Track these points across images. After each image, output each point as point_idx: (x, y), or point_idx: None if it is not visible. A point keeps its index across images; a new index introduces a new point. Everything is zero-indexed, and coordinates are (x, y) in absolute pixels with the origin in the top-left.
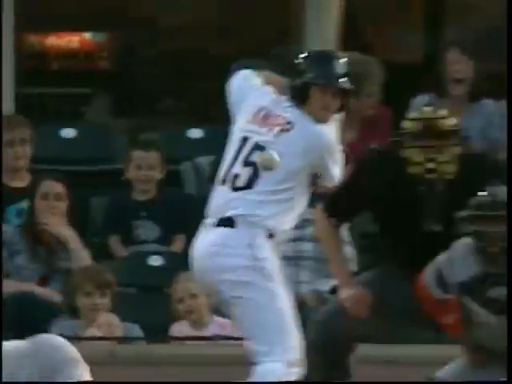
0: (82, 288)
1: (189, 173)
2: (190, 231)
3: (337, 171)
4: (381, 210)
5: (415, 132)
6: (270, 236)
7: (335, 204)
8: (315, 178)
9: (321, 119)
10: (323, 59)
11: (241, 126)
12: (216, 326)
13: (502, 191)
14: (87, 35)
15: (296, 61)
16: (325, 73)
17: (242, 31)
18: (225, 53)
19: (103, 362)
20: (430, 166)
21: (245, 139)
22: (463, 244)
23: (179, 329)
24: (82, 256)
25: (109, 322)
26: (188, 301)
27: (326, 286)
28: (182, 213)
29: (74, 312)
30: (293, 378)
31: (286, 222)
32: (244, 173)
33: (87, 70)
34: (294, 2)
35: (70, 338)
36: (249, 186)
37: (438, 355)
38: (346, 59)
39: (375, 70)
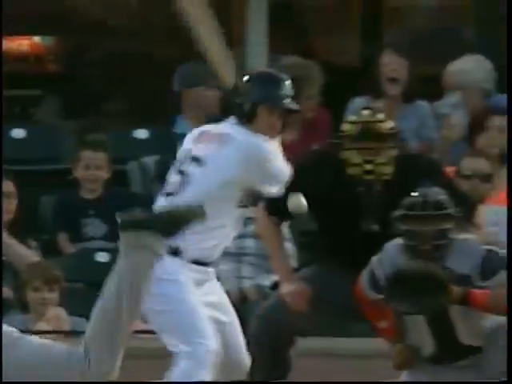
0: (31, 283)
1: (135, 172)
2: None
3: (274, 184)
4: (320, 210)
5: (354, 134)
6: (174, 253)
7: (276, 203)
8: (250, 197)
9: (266, 138)
10: (269, 80)
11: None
12: None
13: (432, 192)
14: (37, 39)
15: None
16: (273, 94)
17: (186, 34)
18: (169, 56)
19: None
20: (368, 167)
21: (184, 156)
22: (393, 244)
23: None
24: (21, 253)
25: (57, 316)
26: None
27: (267, 281)
28: (129, 211)
29: (23, 306)
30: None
31: (201, 241)
32: (175, 180)
33: (37, 72)
34: (236, 6)
35: (20, 332)
36: (176, 192)
37: (374, 348)
38: (289, 80)
39: (314, 73)
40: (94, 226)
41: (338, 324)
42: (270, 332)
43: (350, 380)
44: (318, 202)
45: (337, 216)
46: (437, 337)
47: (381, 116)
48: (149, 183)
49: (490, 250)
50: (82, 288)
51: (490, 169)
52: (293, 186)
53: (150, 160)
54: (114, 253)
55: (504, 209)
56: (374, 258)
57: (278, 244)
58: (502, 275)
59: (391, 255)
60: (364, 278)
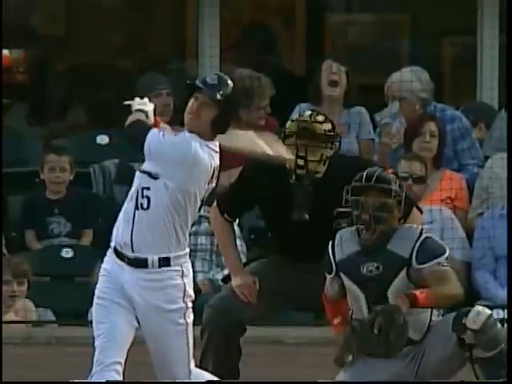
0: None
1: (97, 175)
2: (97, 227)
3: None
4: (263, 205)
5: (293, 131)
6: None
7: (226, 202)
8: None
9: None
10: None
11: None
12: None
13: (381, 170)
14: (5, 52)
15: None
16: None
17: (143, 46)
18: (126, 66)
19: (20, 344)
20: (300, 162)
21: None
22: (347, 229)
23: None
24: None
25: (25, 308)
26: None
27: (219, 275)
28: (91, 210)
29: None
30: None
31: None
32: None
33: (5, 82)
34: (190, 19)
35: None
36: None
37: (318, 336)
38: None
39: (266, 84)
40: (59, 224)
41: (282, 313)
42: (221, 321)
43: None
44: (261, 198)
45: (274, 207)
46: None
47: (320, 118)
48: (109, 185)
49: (429, 237)
50: (48, 281)
51: (423, 171)
52: (240, 185)
53: (110, 163)
54: (76, 249)
55: (436, 208)
56: (330, 243)
57: (229, 240)
58: (440, 259)
59: (344, 238)
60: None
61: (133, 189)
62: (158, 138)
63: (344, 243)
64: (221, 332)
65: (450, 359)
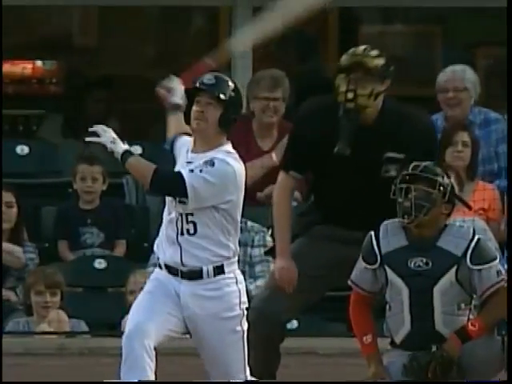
0: (34, 288)
1: (130, 185)
2: (130, 237)
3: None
4: (315, 151)
5: (346, 64)
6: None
7: (289, 158)
8: None
9: None
10: None
11: None
12: None
13: (429, 163)
14: (39, 63)
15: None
16: None
17: (176, 58)
18: (160, 78)
19: (53, 354)
20: (350, 96)
21: None
22: (392, 220)
23: None
24: (20, 257)
25: (58, 319)
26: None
27: (252, 285)
28: (124, 221)
29: (27, 309)
30: None
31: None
32: None
33: (39, 93)
34: (223, 31)
35: (23, 333)
36: None
37: (351, 347)
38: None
39: (278, 76)
40: (92, 235)
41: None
42: (262, 325)
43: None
44: (313, 143)
45: (324, 157)
46: (415, 321)
47: (374, 52)
48: (142, 196)
49: (482, 239)
50: (81, 292)
51: (456, 182)
52: (296, 136)
53: None
54: (109, 260)
55: (469, 219)
56: (372, 233)
57: (285, 217)
58: (493, 263)
59: (389, 230)
60: (358, 264)
61: (171, 212)
62: (201, 184)
63: (390, 236)
64: (262, 337)
65: (494, 361)
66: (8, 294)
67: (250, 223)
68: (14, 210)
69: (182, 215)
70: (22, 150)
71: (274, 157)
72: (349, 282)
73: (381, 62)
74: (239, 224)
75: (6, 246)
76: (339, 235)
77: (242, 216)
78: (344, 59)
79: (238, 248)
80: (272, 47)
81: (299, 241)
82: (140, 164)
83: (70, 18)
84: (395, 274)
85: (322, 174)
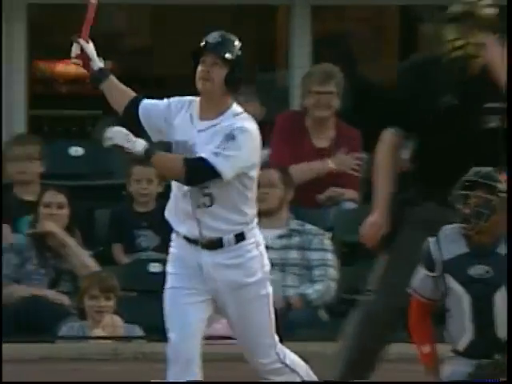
0: (88, 292)
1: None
2: None
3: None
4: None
5: (457, 13)
6: None
7: (392, 113)
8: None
9: None
10: None
11: None
12: (222, 325)
13: (489, 169)
14: None
15: None
16: None
17: None
18: None
19: (108, 360)
20: (459, 43)
21: None
22: (452, 227)
23: None
24: (86, 262)
25: (113, 323)
26: None
27: (309, 290)
28: None
29: (81, 314)
30: None
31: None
32: None
33: (93, 94)
34: (280, 29)
35: (77, 338)
36: None
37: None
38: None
39: (330, 70)
40: (147, 238)
41: None
42: (367, 331)
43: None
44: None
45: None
46: (477, 328)
47: (486, 1)
48: None
49: None
50: (136, 297)
51: None
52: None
53: None
54: (165, 263)
55: None
56: (431, 240)
57: (388, 171)
58: None
59: (449, 236)
60: (417, 271)
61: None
62: (231, 162)
63: (451, 243)
64: (364, 343)
65: None
66: (62, 298)
67: (307, 226)
68: (65, 211)
69: (195, 188)
70: (76, 151)
71: (331, 163)
72: (409, 290)
73: (492, 11)
74: (256, 184)
75: (75, 249)
76: (440, 218)
77: (300, 218)
78: (454, 8)
79: (256, 209)
80: (328, 48)
81: (395, 246)
82: (167, 158)
83: (125, 17)
84: (456, 281)
85: (426, 132)
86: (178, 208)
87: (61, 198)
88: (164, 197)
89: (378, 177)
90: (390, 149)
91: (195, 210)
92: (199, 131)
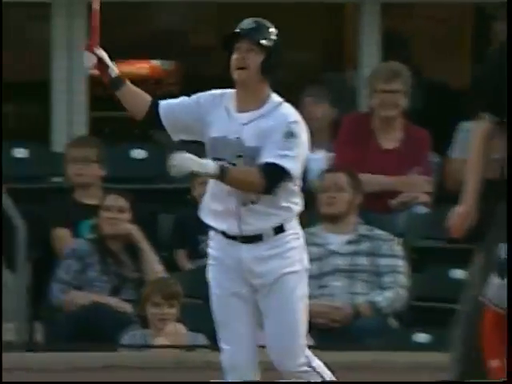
0: (151, 299)
1: None
2: None
3: None
4: None
5: None
6: None
7: (481, 97)
8: None
9: None
10: None
11: None
12: None
13: None
14: (156, 62)
15: None
16: None
17: (299, 57)
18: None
19: (171, 368)
20: None
21: None
22: None
23: None
24: (156, 268)
25: (176, 332)
26: None
27: (379, 297)
28: None
29: (143, 322)
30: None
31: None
32: None
33: (156, 95)
34: (348, 28)
35: (140, 347)
36: None
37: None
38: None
39: (397, 69)
40: None
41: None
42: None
43: None
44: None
45: None
46: None
47: None
48: None
49: None
50: (201, 304)
51: None
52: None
53: None
54: None
55: None
56: (505, 245)
57: (479, 162)
58: None
59: None
60: (491, 280)
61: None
62: (299, 160)
63: None
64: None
65: None
66: (124, 306)
67: (377, 231)
68: (126, 215)
69: None
70: (138, 153)
71: (401, 185)
72: (483, 300)
73: None
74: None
75: (148, 254)
76: None
77: (369, 223)
78: None
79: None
80: (398, 48)
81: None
82: (243, 173)
83: (189, 15)
84: None
85: None
86: (218, 206)
87: (121, 202)
88: None
89: (468, 169)
90: (481, 137)
91: (239, 207)
92: (243, 124)
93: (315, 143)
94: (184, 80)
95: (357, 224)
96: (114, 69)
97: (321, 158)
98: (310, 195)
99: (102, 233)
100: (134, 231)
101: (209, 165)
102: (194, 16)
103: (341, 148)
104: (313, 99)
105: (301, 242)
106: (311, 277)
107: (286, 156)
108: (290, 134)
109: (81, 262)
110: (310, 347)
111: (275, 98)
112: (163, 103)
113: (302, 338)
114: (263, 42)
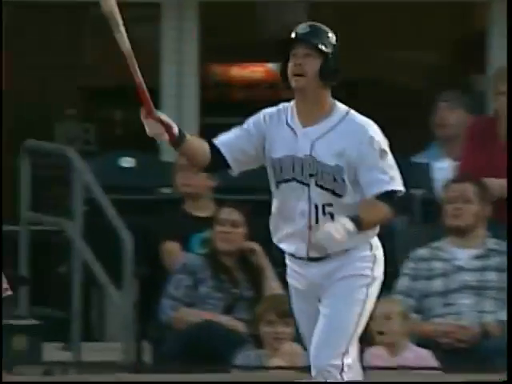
0: (265, 317)
1: None
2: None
3: None
4: None
5: None
6: None
7: None
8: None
9: None
10: None
11: None
12: (412, 354)
13: None
14: (270, 65)
15: None
16: None
17: (428, 62)
18: (406, 82)
19: None
20: None
21: None
22: None
23: (375, 354)
24: (273, 286)
25: (292, 351)
26: (382, 322)
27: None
28: None
29: (257, 341)
30: None
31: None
32: None
33: (270, 99)
34: (478, 26)
35: (254, 368)
36: None
37: None
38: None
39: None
40: None
41: None
42: None
43: None
44: None
45: None
46: None
47: None
48: None
49: None
50: None
51: None
52: None
53: None
54: None
55: None
56: None
57: None
58: None
59: None
60: None
61: (298, 202)
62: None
63: None
64: None
65: None
66: (237, 325)
67: (506, 244)
68: (240, 230)
69: (317, 207)
70: None
71: None
72: None
73: None
74: None
75: (268, 272)
76: None
77: (499, 237)
78: None
79: None
80: None
81: None
82: (374, 215)
83: (308, 15)
84: None
85: None
86: (287, 228)
87: (235, 216)
88: None
89: None
90: None
91: (310, 230)
92: (316, 139)
93: (446, 151)
94: None
95: (485, 237)
96: (175, 125)
97: (446, 167)
98: (435, 206)
99: (215, 248)
100: (257, 248)
101: (347, 225)
102: (312, 17)
103: (466, 155)
104: (447, 105)
105: (377, 253)
106: (436, 294)
107: (393, 178)
108: (384, 152)
109: (192, 278)
110: (435, 369)
111: (340, 105)
112: (221, 141)
113: (346, 341)
114: (321, 46)
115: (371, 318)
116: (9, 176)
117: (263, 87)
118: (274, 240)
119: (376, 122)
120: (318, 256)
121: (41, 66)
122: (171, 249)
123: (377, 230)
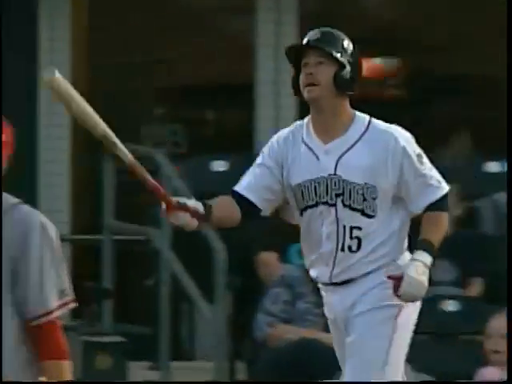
0: None
1: (486, 210)
2: (486, 275)
3: None
4: None
5: None
6: None
7: None
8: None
9: None
10: None
11: None
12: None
13: None
14: (376, 61)
15: None
16: None
17: None
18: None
19: None
20: None
21: None
22: None
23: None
24: None
25: None
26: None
27: None
28: (479, 254)
29: None
30: None
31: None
32: None
33: (377, 97)
34: None
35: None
36: None
37: None
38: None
39: None
40: (442, 270)
41: None
42: None
43: None
44: None
45: None
46: None
47: None
48: (498, 222)
49: None
50: (426, 340)
51: None
52: None
53: (502, 197)
54: (463, 301)
55: None
56: None
57: None
58: None
59: None
60: None
61: (323, 223)
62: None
63: None
64: None
65: None
66: None
67: None
68: None
69: (344, 228)
70: None
71: None
72: None
73: None
74: None
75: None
76: None
77: None
78: None
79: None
80: None
81: None
82: (440, 233)
83: (413, 8)
84: None
85: None
86: (315, 253)
87: None
88: (464, 222)
89: None
90: None
91: (336, 253)
92: (340, 157)
93: None
94: (409, 81)
95: None
96: (199, 203)
97: None
98: None
99: None
100: None
101: (427, 261)
102: (424, 10)
103: None
104: None
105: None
106: None
107: (439, 181)
108: (419, 155)
109: (290, 292)
110: None
111: (360, 114)
112: (243, 187)
113: (378, 372)
114: (334, 53)
115: (486, 336)
116: (91, 181)
117: (368, 84)
118: (306, 266)
119: None
120: (340, 281)
121: (122, 64)
122: (267, 259)
123: (405, 243)
